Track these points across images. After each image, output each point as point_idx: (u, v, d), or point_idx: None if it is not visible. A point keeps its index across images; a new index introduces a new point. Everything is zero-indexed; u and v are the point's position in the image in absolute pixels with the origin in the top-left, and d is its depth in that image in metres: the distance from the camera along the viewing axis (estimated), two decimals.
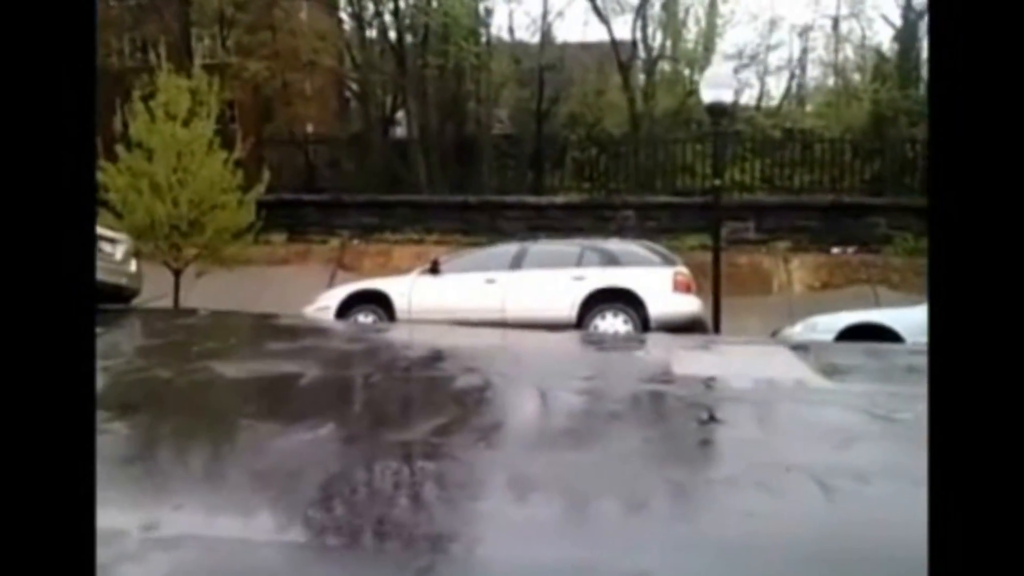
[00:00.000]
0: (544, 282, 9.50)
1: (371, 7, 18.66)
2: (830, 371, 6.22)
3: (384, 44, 19.00)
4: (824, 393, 5.27)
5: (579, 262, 9.64)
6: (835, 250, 12.56)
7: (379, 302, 9.70)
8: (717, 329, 10.14)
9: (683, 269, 9.58)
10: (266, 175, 11.67)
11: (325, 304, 9.94)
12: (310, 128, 19.30)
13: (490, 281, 9.56)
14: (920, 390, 6.41)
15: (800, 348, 8.77)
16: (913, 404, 5.19)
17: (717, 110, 10.96)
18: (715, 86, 10.82)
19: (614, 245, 10.39)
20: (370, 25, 19.07)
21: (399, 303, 9.59)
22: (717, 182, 11.08)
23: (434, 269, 9.97)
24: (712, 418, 4.40)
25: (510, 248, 10.46)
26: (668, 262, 9.76)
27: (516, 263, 9.82)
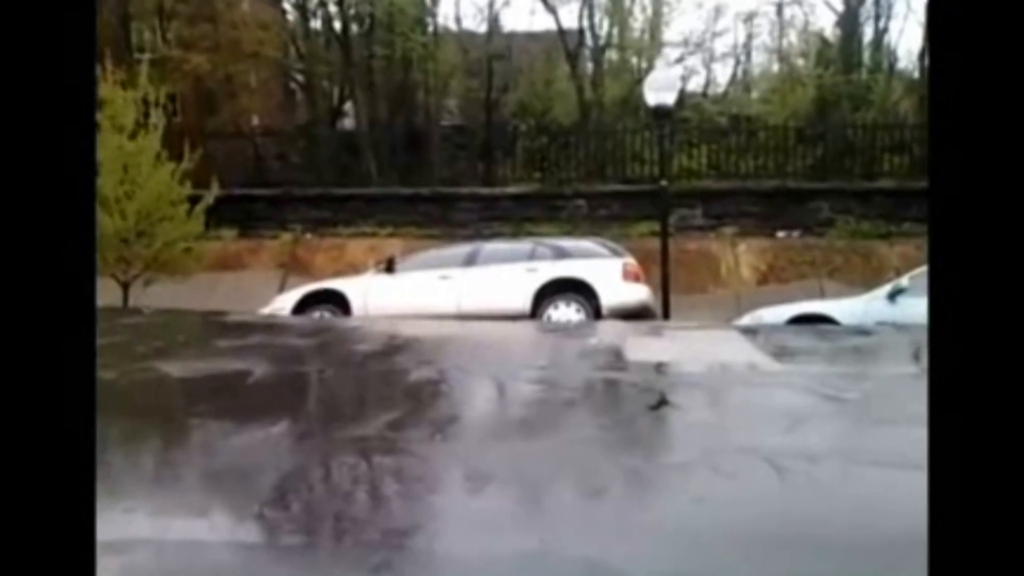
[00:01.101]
0: (498, 276, 9.63)
1: None
2: (780, 354, 6.37)
3: (329, 34, 18.80)
4: (775, 376, 5.37)
5: (531, 257, 9.82)
6: (780, 234, 12.87)
7: (335, 302, 9.71)
8: (667, 315, 10.34)
9: (631, 260, 9.80)
10: (215, 186, 11.45)
11: (280, 306, 9.92)
12: (255, 121, 19.02)
13: (444, 278, 9.67)
14: (864, 369, 6.62)
15: (750, 332, 9.03)
16: (859, 384, 5.35)
17: (661, 112, 11.20)
18: (658, 88, 11.04)
19: (565, 242, 10.66)
20: (314, 15, 18.86)
21: (355, 302, 9.63)
22: (664, 183, 11.27)
23: (389, 268, 10.04)
24: (666, 403, 4.44)
25: (464, 247, 10.62)
26: (617, 254, 9.98)
27: (470, 260, 9.97)
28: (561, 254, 9.86)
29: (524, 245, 10.43)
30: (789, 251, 12.56)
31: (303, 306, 9.75)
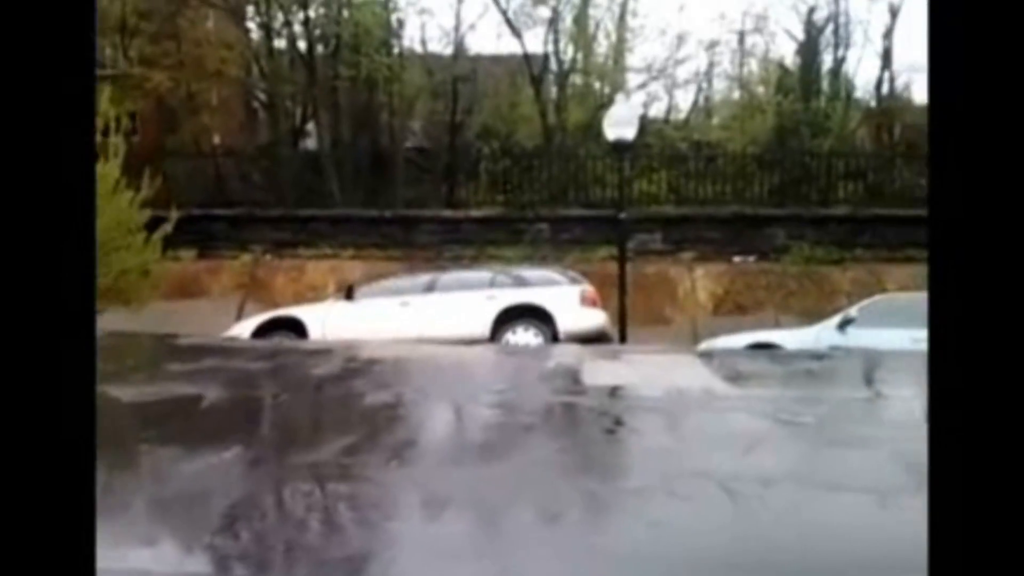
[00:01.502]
0: (457, 303, 9.80)
1: (280, 17, 18.54)
2: (735, 378, 6.42)
3: (293, 54, 18.90)
4: (731, 400, 5.42)
5: (491, 285, 10.02)
6: (737, 259, 13.21)
7: (293, 329, 9.78)
8: (623, 339, 10.57)
9: (589, 287, 10.05)
10: (174, 213, 11.38)
11: (237, 334, 9.94)
12: (217, 140, 19.02)
13: (404, 304, 9.80)
14: (817, 393, 6.78)
15: (706, 356, 9.27)
16: (813, 407, 5.38)
17: (621, 147, 11.52)
18: (618, 124, 11.37)
19: (524, 270, 10.88)
20: (279, 35, 18.94)
21: (313, 330, 9.70)
22: (622, 215, 11.55)
23: (349, 295, 10.16)
24: (623, 427, 4.49)
25: (424, 276, 10.81)
26: (575, 282, 10.23)
27: (430, 288, 10.14)
28: (520, 282, 10.08)
29: (483, 274, 10.65)
30: (745, 276, 12.90)
31: (260, 334, 9.80)
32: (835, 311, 11.09)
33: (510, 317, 9.55)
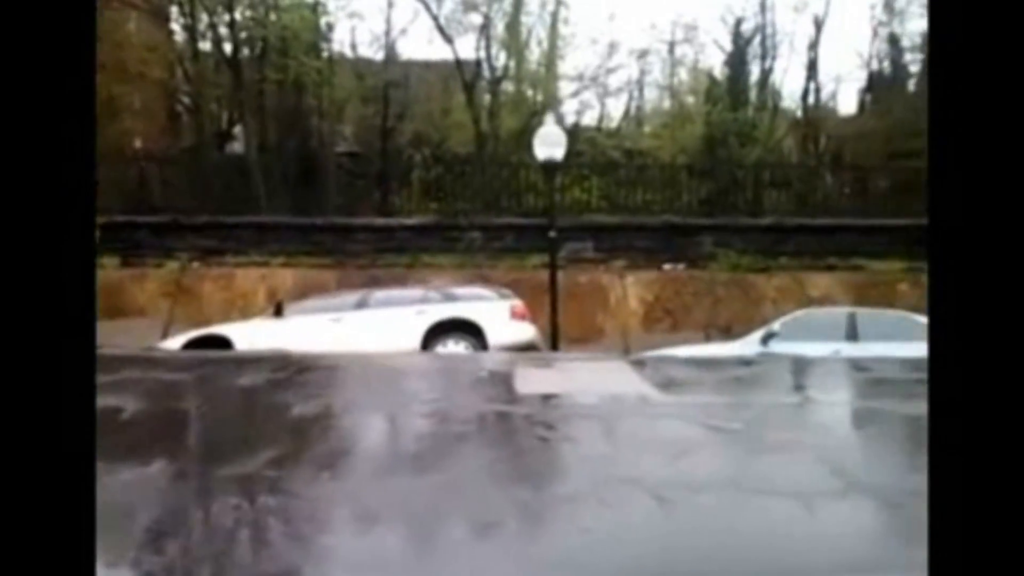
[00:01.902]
0: (388, 318, 10.00)
1: (205, 19, 18.35)
2: (668, 385, 6.64)
3: (219, 57, 18.72)
4: (663, 407, 5.58)
5: (422, 301, 10.26)
6: (666, 267, 13.71)
7: (221, 347, 9.78)
8: (555, 347, 10.89)
9: (518, 301, 10.39)
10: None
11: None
12: (139, 144, 18.70)
13: (335, 320, 9.96)
14: (746, 399, 7.10)
15: (638, 364, 9.63)
16: (740, 413, 5.56)
17: (550, 167, 11.93)
18: (547, 144, 11.75)
19: (454, 288, 11.17)
20: (203, 37, 18.73)
21: (241, 347, 9.72)
22: (552, 233, 11.91)
23: (278, 312, 10.25)
24: (556, 436, 4.59)
25: (355, 293, 11.00)
26: (505, 298, 10.56)
27: (361, 304, 10.32)
28: (449, 297, 10.37)
29: (415, 291, 10.92)
30: (675, 283, 13.38)
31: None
32: (761, 317, 11.63)
33: (440, 331, 9.80)
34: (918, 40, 21.21)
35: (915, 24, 21.20)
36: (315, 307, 10.57)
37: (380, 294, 10.82)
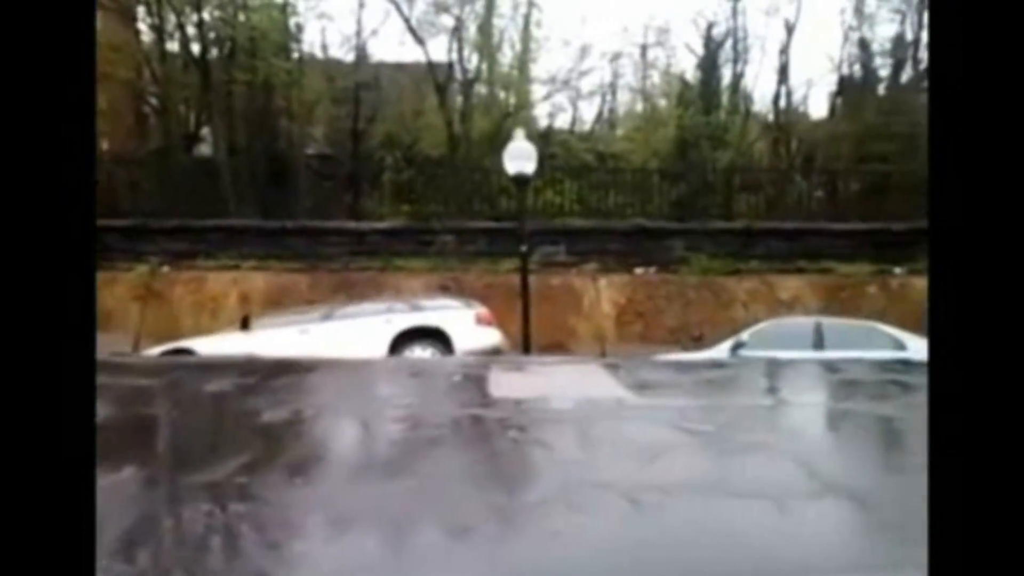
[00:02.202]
0: (355, 328, 10.21)
1: (172, 19, 18.34)
2: (642, 387, 6.58)
3: (187, 58, 18.70)
4: (637, 409, 5.57)
5: (388, 311, 10.49)
6: (638, 270, 13.98)
7: None
8: (527, 350, 11.10)
9: (483, 309, 10.66)
10: None
11: None
12: (105, 146, 18.63)
13: (302, 332, 10.15)
14: (719, 401, 7.22)
15: (612, 367, 9.83)
16: (714, 416, 5.57)
17: (520, 181, 12.16)
18: (517, 158, 11.99)
19: (420, 299, 11.45)
20: (171, 37, 18.72)
21: None
22: (524, 248, 12.13)
23: (244, 325, 10.42)
24: (531, 439, 4.58)
25: (321, 308, 11.30)
26: (470, 307, 10.83)
27: (327, 317, 10.55)
28: (416, 307, 10.61)
29: (380, 304, 11.17)
30: (647, 286, 13.64)
31: None
32: (730, 318, 11.91)
33: (407, 339, 10.04)
34: (888, 44, 21.77)
35: (884, 28, 21.77)
36: (282, 320, 10.79)
37: (347, 308, 11.08)
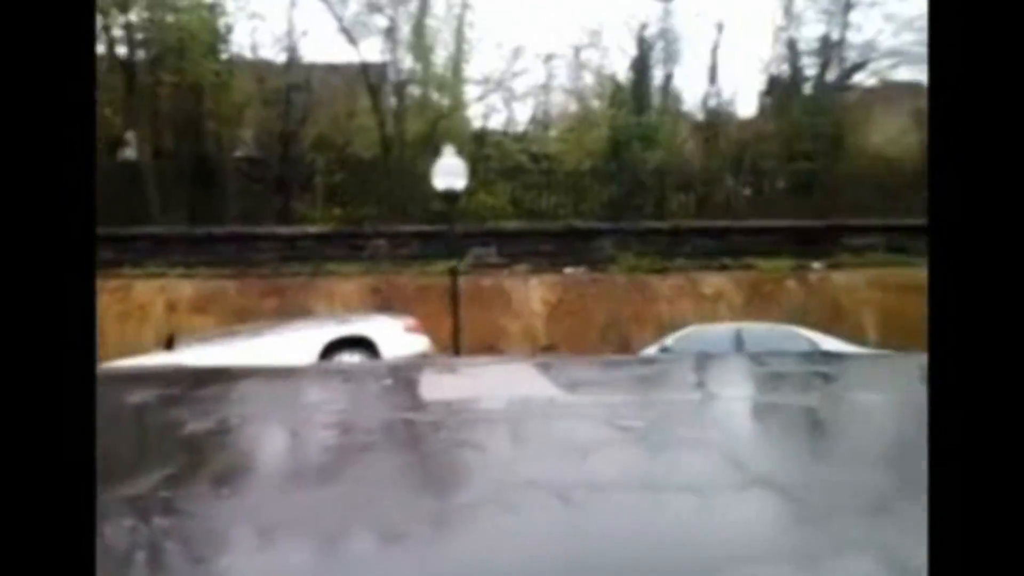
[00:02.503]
0: (282, 342, 10.43)
1: (99, 20, 18.08)
2: (572, 385, 6.81)
3: (112, 60, 18.46)
4: (569, 407, 5.68)
5: (316, 326, 10.93)
6: (568, 270, 14.41)
7: None
8: (458, 352, 11.41)
9: (411, 319, 10.99)
10: None
11: None
12: None
13: (230, 348, 10.32)
14: (650, 397, 7.53)
15: (543, 366, 10.15)
16: (644, 412, 5.73)
17: (450, 197, 12.46)
18: (447, 174, 12.29)
19: (351, 316, 11.81)
20: (97, 40, 18.46)
21: None
22: (455, 263, 12.38)
23: (168, 345, 10.52)
24: (462, 440, 4.66)
25: (247, 326, 11.57)
26: (398, 317, 11.21)
27: (255, 334, 10.76)
28: (344, 320, 11.01)
29: (310, 321, 11.60)
30: (577, 286, 14.07)
31: None
32: (656, 314, 12.39)
33: (335, 348, 10.29)
34: (815, 44, 22.57)
35: (811, 29, 22.56)
36: (207, 338, 10.94)
37: (274, 326, 11.34)
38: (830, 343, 11.50)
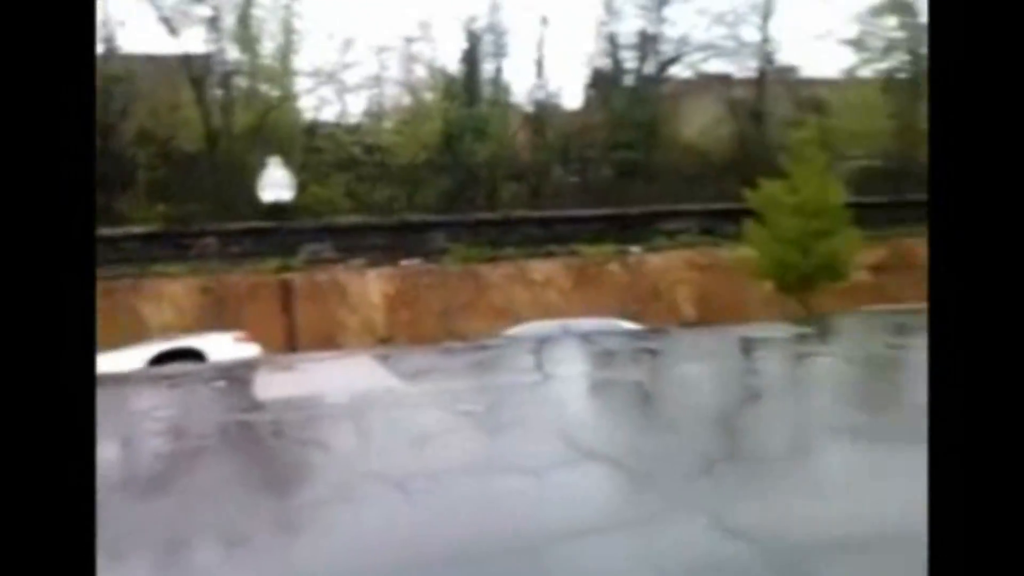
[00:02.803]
0: (109, 358, 10.34)
1: None
2: (413, 375, 7.00)
3: None
4: (409, 397, 5.75)
5: (143, 345, 10.96)
6: (403, 263, 14.84)
7: None
8: (294, 348, 11.60)
9: (241, 332, 11.29)
10: None
11: None
12: None
13: None
14: (488, 381, 7.88)
15: (382, 357, 10.47)
16: (481, 396, 5.91)
17: (276, 209, 12.60)
18: (273, 186, 12.40)
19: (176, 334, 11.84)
20: None
21: None
22: (288, 275, 12.55)
23: None
24: (300, 438, 4.71)
25: None
26: (229, 331, 11.42)
27: None
28: (173, 337, 11.16)
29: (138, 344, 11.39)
30: (413, 277, 14.53)
31: None
32: (487, 302, 13.06)
33: (164, 360, 10.33)
34: (634, 39, 23.90)
35: (630, 23, 23.85)
36: None
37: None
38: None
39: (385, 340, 11.84)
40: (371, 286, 14.34)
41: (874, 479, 3.50)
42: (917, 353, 11.74)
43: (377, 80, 23.50)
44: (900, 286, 14.48)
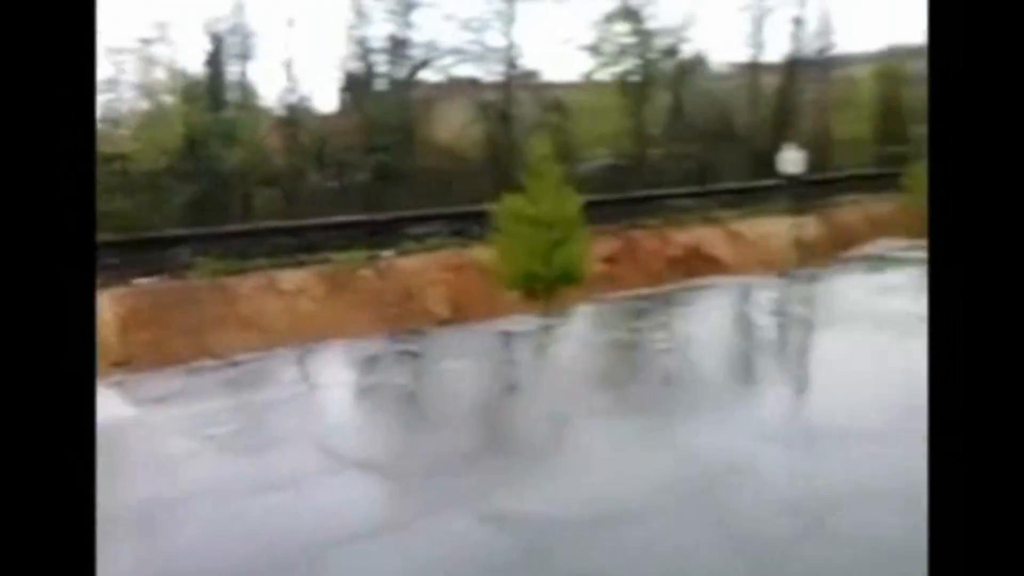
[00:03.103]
0: None
1: None
2: (157, 400, 6.83)
3: None
4: (152, 426, 5.54)
5: None
6: (140, 281, 14.20)
7: None
8: None
9: None
10: None
11: None
12: None
13: None
14: (243, 399, 7.87)
15: (118, 383, 10.03)
16: (235, 416, 5.77)
17: None
18: None
19: None
20: None
21: None
22: None
23: None
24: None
25: None
26: None
27: None
28: None
29: None
30: (152, 295, 13.96)
31: None
32: (236, 314, 12.87)
33: None
34: (384, 43, 24.18)
35: (380, 28, 24.11)
36: None
37: None
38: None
39: (120, 363, 11.34)
40: (104, 308, 13.61)
41: (617, 452, 3.70)
42: (650, 334, 13.17)
43: (112, 83, 22.16)
44: (631, 274, 16.03)
